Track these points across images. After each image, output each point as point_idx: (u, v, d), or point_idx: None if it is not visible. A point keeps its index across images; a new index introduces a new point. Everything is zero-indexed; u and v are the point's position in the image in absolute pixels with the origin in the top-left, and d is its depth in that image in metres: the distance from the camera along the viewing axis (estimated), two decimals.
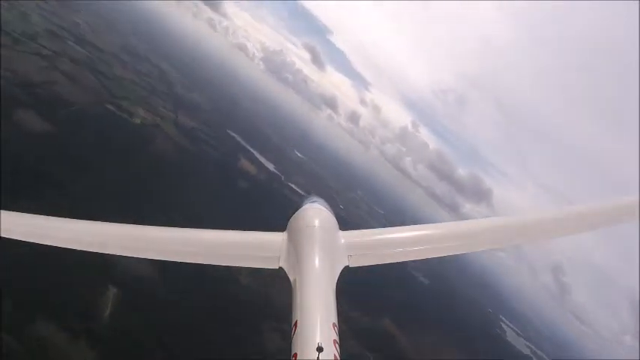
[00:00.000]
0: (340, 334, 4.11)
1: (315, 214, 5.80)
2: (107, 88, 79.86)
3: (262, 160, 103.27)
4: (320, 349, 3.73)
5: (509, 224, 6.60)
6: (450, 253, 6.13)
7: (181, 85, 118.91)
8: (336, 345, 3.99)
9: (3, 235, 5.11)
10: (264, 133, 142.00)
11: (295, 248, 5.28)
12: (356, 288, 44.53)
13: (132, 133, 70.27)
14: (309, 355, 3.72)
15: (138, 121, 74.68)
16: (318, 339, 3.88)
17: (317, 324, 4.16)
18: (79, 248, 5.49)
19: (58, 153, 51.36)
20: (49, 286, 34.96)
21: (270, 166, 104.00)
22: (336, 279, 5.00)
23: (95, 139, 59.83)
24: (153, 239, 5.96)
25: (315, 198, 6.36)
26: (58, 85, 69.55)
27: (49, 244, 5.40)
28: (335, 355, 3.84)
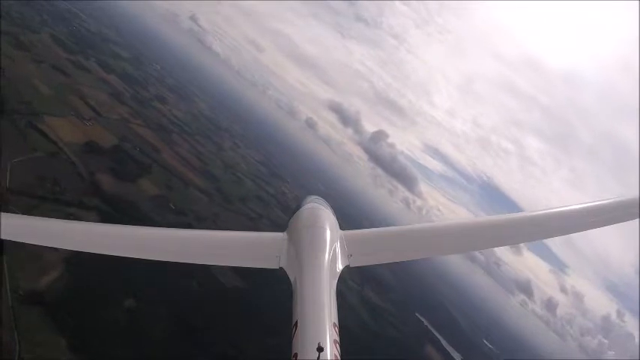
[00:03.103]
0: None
1: (316, 214, 6.04)
2: None
3: (449, 349, 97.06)
4: (320, 349, 3.78)
5: (509, 224, 6.71)
6: (451, 253, 6.75)
7: None
8: (337, 345, 4.08)
9: (3, 237, 5.16)
10: (453, 318, 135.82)
11: (296, 248, 5.45)
12: None
13: None
14: (310, 355, 3.79)
15: None
16: (318, 339, 3.93)
17: (317, 324, 4.25)
18: (80, 250, 5.87)
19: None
20: None
21: (457, 357, 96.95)
22: (337, 279, 5.12)
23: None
24: (154, 240, 6.22)
25: (315, 198, 6.62)
26: None
27: (49, 245, 5.76)
28: (335, 355, 3.95)
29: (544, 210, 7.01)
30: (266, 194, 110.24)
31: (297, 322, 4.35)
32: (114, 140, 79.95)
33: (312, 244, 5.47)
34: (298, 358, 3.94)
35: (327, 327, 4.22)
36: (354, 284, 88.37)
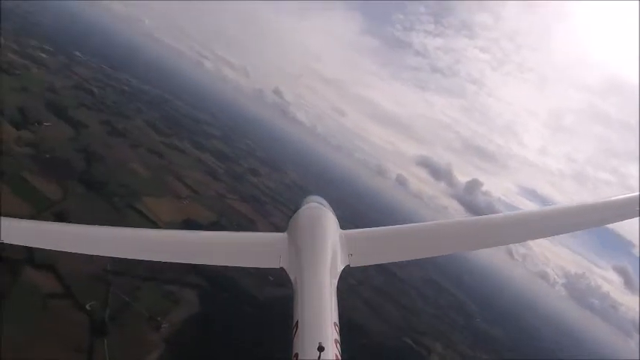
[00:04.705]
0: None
1: (316, 214, 6.20)
2: (406, 320, 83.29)
3: None
4: (321, 349, 3.76)
5: (510, 222, 6.68)
6: (451, 252, 6.52)
7: (481, 316, 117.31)
8: (337, 345, 4.07)
9: (3, 241, 5.33)
10: None
11: (296, 248, 5.48)
12: None
13: None
14: (311, 355, 3.79)
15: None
16: (319, 339, 3.91)
17: (318, 324, 4.24)
18: (80, 252, 5.65)
19: None
20: None
21: None
22: (337, 278, 5.14)
23: None
24: (154, 241, 6.32)
25: (315, 197, 6.83)
26: (357, 312, 72.39)
27: (48, 248, 5.88)
28: (336, 355, 3.94)
29: (544, 208, 7.20)
30: None
31: (297, 321, 4.32)
32: (212, 217, 78.90)
33: (313, 243, 5.48)
34: (299, 358, 3.88)
35: (328, 327, 4.20)
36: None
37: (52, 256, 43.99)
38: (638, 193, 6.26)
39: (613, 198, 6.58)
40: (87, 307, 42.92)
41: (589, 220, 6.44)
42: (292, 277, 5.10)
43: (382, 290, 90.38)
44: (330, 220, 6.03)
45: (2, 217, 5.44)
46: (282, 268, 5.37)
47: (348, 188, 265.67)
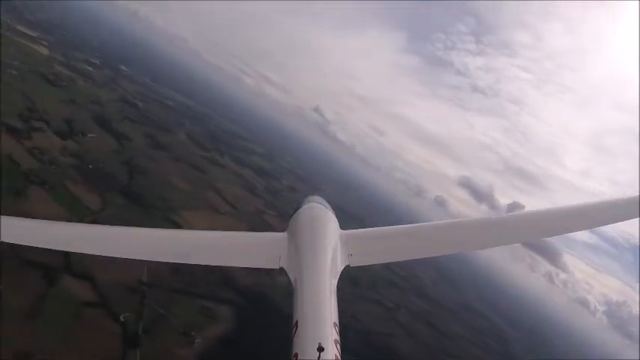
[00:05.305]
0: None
1: (316, 214, 6.03)
2: (441, 344, 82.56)
3: None
4: (321, 349, 3.74)
5: (509, 223, 6.71)
6: (451, 252, 6.30)
7: (517, 342, 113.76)
8: (337, 345, 4.03)
9: (3, 240, 5.08)
10: None
11: (296, 248, 5.39)
12: None
13: None
14: (310, 355, 3.75)
15: None
16: (318, 339, 3.88)
17: (318, 324, 4.20)
18: (79, 252, 5.52)
19: None
20: None
21: None
22: (337, 278, 5.06)
23: None
24: (154, 241, 6.11)
25: (315, 197, 6.53)
26: (395, 337, 72.44)
27: (48, 247, 5.55)
28: (336, 355, 3.89)
29: (544, 209, 7.32)
30: (399, 279, 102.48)
31: (297, 322, 4.28)
32: None
33: (313, 243, 5.41)
34: (299, 358, 3.86)
35: (328, 327, 4.16)
36: None
37: (89, 266, 44.17)
38: (638, 194, 6.17)
39: (613, 199, 6.59)
40: (121, 318, 42.52)
41: (590, 221, 6.43)
42: (292, 277, 5.04)
43: (418, 314, 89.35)
44: (330, 220, 5.93)
45: (2, 217, 5.22)
46: (281, 268, 5.30)
47: (383, 208, 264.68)
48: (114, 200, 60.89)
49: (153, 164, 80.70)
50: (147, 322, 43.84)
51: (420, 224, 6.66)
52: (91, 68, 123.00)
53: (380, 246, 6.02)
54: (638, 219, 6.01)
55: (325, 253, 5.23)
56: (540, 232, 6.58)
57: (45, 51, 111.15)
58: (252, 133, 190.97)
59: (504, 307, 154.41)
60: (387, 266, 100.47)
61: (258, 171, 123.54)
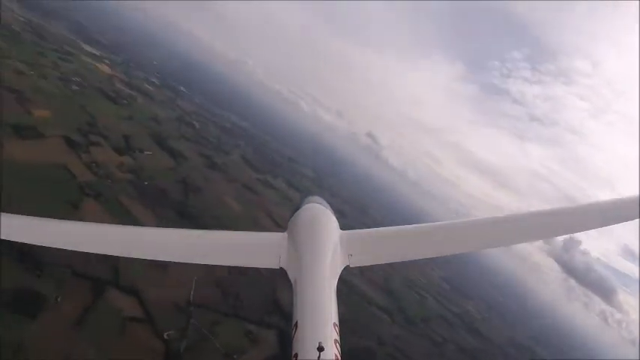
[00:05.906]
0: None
1: (316, 214, 6.04)
2: None
3: None
4: (321, 349, 3.75)
5: (509, 223, 6.57)
6: (451, 253, 6.19)
7: None
8: (337, 345, 4.02)
9: (3, 237, 5.04)
10: None
11: (296, 248, 5.39)
12: None
13: None
14: (310, 355, 3.77)
15: None
16: (318, 339, 3.88)
17: (317, 324, 4.22)
18: (79, 250, 5.43)
19: None
20: None
21: None
22: (337, 279, 5.07)
23: None
24: (154, 240, 6.06)
25: (315, 197, 6.58)
26: None
27: (49, 245, 5.40)
28: (336, 355, 3.89)
29: (544, 210, 7.04)
30: (450, 314, 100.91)
31: (297, 322, 4.31)
32: None
33: (313, 244, 5.40)
34: (299, 358, 3.86)
35: (328, 327, 4.16)
36: None
37: (137, 281, 44.73)
38: (638, 194, 6.15)
39: (613, 199, 6.58)
40: (165, 335, 42.40)
41: (590, 222, 6.30)
42: (292, 277, 5.01)
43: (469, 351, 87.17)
44: (330, 221, 5.90)
45: (2, 214, 5.11)
46: (281, 269, 5.26)
47: None
48: (167, 217, 60.07)
49: (207, 183, 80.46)
50: (190, 341, 43.46)
51: (420, 225, 6.53)
52: (150, 87, 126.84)
53: (380, 246, 5.97)
54: (638, 219, 5.95)
55: (325, 253, 5.20)
56: (541, 232, 6.42)
57: (107, 69, 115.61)
58: (304, 157, 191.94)
59: (555, 343, 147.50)
60: (428, 302, 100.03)
61: (307, 194, 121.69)
